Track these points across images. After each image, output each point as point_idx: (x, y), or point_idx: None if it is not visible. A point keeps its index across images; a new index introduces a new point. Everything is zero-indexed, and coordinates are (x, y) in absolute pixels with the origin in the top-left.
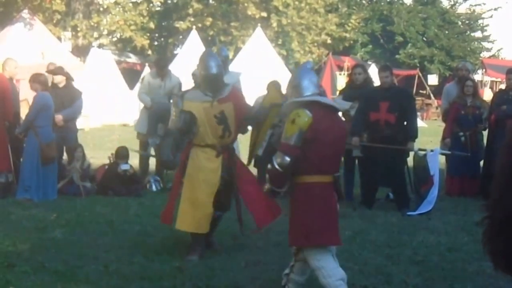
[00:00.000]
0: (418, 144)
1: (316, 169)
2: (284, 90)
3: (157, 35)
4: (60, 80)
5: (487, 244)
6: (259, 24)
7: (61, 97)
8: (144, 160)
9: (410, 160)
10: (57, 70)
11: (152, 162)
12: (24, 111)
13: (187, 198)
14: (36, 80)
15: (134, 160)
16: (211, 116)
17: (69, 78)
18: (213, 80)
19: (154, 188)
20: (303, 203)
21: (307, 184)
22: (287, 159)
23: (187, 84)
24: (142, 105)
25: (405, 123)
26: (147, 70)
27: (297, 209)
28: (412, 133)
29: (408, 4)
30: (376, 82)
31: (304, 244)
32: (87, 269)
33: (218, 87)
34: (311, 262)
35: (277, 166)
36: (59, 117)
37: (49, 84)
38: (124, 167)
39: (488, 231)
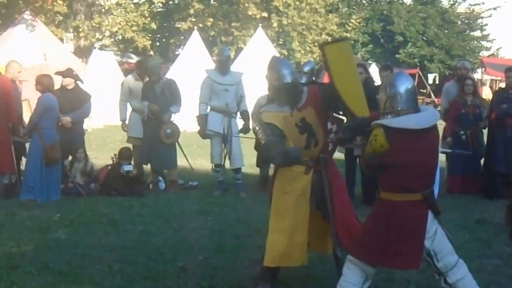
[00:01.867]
0: None
1: (401, 188)
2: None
3: (158, 35)
4: (68, 82)
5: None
6: (260, 24)
7: (69, 99)
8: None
9: None
10: (66, 73)
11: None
12: (25, 113)
13: (275, 228)
14: (39, 81)
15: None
16: (292, 126)
17: (77, 80)
18: (289, 90)
19: (161, 186)
20: (382, 219)
21: (391, 202)
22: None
23: (189, 84)
24: (130, 109)
25: None
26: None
27: (376, 223)
28: None
29: (408, 3)
30: (377, 81)
31: (366, 260)
32: (91, 269)
33: (295, 97)
34: (345, 265)
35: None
36: (67, 119)
37: (59, 85)
38: (127, 167)
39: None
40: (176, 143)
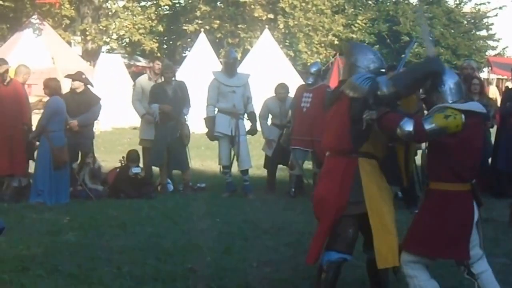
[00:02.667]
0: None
1: (455, 176)
2: (291, 93)
3: (165, 38)
4: (78, 85)
5: None
6: (266, 26)
7: (78, 103)
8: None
9: (418, 158)
10: (76, 76)
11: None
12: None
13: (380, 226)
14: (47, 85)
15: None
16: None
17: (86, 84)
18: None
19: (170, 188)
20: (437, 210)
21: (444, 192)
22: (410, 130)
23: (197, 86)
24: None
25: None
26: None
27: (429, 215)
28: None
29: (414, 4)
30: None
31: (422, 253)
32: (100, 272)
33: None
34: (404, 268)
35: (398, 127)
36: (74, 122)
37: (69, 89)
38: (135, 170)
39: None
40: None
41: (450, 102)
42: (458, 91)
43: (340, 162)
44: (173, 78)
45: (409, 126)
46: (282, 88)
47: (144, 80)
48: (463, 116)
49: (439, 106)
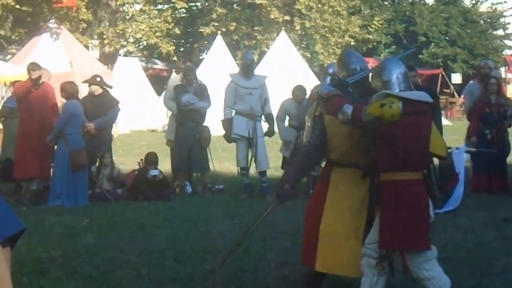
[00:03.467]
0: None
1: (404, 164)
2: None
3: (182, 41)
4: (94, 89)
5: None
6: (283, 28)
7: (96, 106)
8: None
9: (435, 158)
10: (91, 80)
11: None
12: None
13: (327, 231)
14: (63, 88)
15: (163, 165)
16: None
17: (102, 86)
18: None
19: (188, 190)
20: (390, 201)
21: (394, 181)
22: (348, 117)
23: (214, 88)
24: (170, 112)
25: None
26: (174, 76)
27: (389, 208)
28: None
29: (430, 4)
30: None
31: (399, 247)
32: (119, 274)
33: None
34: (418, 272)
35: (339, 112)
36: (91, 126)
37: (87, 92)
38: (153, 172)
39: None
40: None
41: (397, 91)
42: (404, 80)
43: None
44: (195, 80)
45: (348, 111)
46: (299, 90)
47: (176, 80)
48: (400, 105)
49: (381, 92)
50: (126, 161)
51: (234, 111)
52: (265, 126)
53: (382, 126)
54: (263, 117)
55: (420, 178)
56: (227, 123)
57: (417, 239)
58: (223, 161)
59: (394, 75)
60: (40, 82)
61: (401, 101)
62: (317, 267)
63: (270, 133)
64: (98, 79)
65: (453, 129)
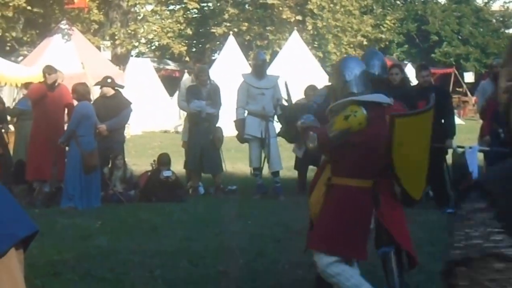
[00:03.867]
0: (456, 141)
1: (359, 172)
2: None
3: (194, 41)
4: (106, 90)
5: None
6: (295, 28)
7: (108, 107)
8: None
9: (448, 158)
10: (102, 82)
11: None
12: None
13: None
14: (75, 90)
15: (176, 166)
16: None
17: (114, 87)
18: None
19: (201, 191)
20: (337, 205)
21: (345, 187)
22: (314, 145)
23: (226, 88)
24: (183, 113)
25: (442, 121)
26: (186, 77)
27: (329, 210)
28: (450, 131)
29: (443, 3)
30: (413, 81)
31: (322, 249)
32: (133, 275)
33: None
34: (324, 270)
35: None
36: (103, 127)
37: (100, 93)
38: (166, 173)
39: None
40: None
41: (355, 92)
42: (363, 81)
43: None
44: (208, 81)
45: (313, 141)
46: (311, 90)
47: (188, 81)
48: (364, 111)
49: (341, 101)
50: (138, 162)
51: (246, 112)
52: (278, 126)
53: (352, 137)
54: (275, 117)
55: (369, 186)
56: (240, 123)
57: (352, 248)
58: (236, 161)
59: (354, 75)
60: (55, 84)
61: (362, 107)
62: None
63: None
64: (109, 80)
65: (466, 128)
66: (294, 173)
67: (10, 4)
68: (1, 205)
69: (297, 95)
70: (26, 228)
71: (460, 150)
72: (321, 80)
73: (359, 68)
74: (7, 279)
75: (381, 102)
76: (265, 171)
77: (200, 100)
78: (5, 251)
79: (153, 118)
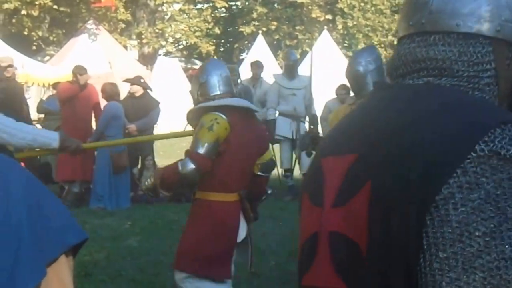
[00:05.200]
0: None
1: (221, 185)
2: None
3: (222, 40)
4: (136, 89)
5: None
6: (325, 27)
7: (137, 107)
8: None
9: None
10: (134, 80)
11: None
12: None
13: None
14: (104, 90)
15: None
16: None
17: (145, 88)
18: (353, 79)
19: None
20: (201, 221)
21: (209, 202)
22: (192, 167)
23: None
24: None
25: None
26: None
27: (192, 226)
28: None
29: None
30: None
31: (187, 270)
32: (164, 277)
33: (360, 88)
34: (179, 285)
35: (181, 173)
36: (132, 127)
37: (127, 93)
38: None
39: None
40: None
41: (213, 94)
42: (225, 84)
43: None
44: (239, 82)
45: (189, 164)
46: (343, 89)
47: (246, 82)
48: (223, 116)
49: (191, 110)
50: (167, 162)
51: (277, 112)
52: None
53: (219, 148)
54: (306, 117)
55: (236, 199)
56: (271, 124)
57: (220, 268)
58: None
59: (213, 77)
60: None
61: (219, 112)
62: None
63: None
64: (142, 80)
65: None
66: None
67: (36, 3)
68: (53, 213)
69: (328, 96)
70: (76, 236)
71: None
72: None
73: (219, 71)
74: (57, 286)
75: (238, 106)
76: (297, 172)
77: None
78: (56, 258)
79: (181, 119)
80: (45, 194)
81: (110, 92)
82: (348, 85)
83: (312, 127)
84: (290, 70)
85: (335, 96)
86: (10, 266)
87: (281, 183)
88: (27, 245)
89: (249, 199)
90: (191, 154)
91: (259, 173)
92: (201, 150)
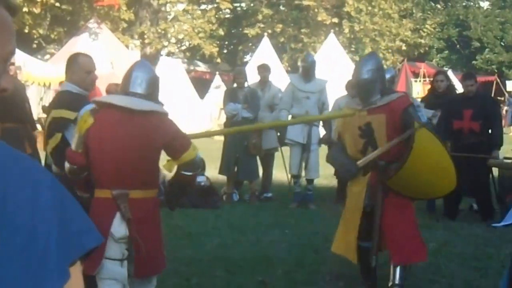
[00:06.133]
0: (501, 152)
1: (96, 181)
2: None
3: (226, 42)
4: None
5: None
6: (331, 30)
7: None
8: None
9: (495, 169)
10: None
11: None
12: None
13: (342, 219)
14: (108, 90)
15: (208, 171)
16: (355, 127)
17: None
18: (360, 87)
19: (235, 198)
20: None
21: (94, 199)
22: (67, 165)
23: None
24: (213, 116)
25: (489, 130)
26: (217, 79)
27: None
28: (496, 141)
29: (485, 8)
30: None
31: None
32: (169, 283)
33: (368, 95)
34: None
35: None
36: None
37: None
38: (199, 179)
39: None
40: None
41: (130, 90)
42: (146, 85)
43: None
44: (246, 85)
45: (65, 163)
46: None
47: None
48: (88, 113)
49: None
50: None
51: (290, 116)
52: (322, 131)
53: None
54: (321, 122)
55: (108, 197)
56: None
57: (86, 262)
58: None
59: (135, 74)
60: None
61: (93, 109)
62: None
63: (326, 141)
64: None
65: (509, 138)
66: (331, 182)
67: (38, 0)
68: (74, 215)
69: (333, 101)
70: (93, 240)
71: (508, 161)
72: None
73: (145, 70)
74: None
75: (116, 104)
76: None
77: (236, 103)
78: (74, 262)
79: (184, 121)
80: (67, 196)
81: (115, 92)
82: None
83: (325, 133)
84: (306, 72)
85: (342, 94)
86: (37, 266)
87: (291, 189)
88: (54, 247)
89: (173, 190)
90: (68, 151)
91: (182, 172)
92: (73, 145)
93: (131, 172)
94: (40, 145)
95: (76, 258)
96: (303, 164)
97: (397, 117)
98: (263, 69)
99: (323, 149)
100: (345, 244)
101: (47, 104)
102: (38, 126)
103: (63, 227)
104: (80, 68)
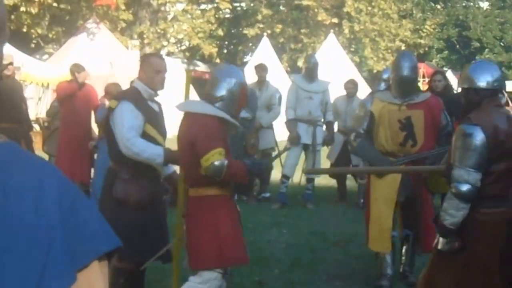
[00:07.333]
0: None
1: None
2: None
3: (226, 42)
4: None
5: None
6: (331, 31)
7: None
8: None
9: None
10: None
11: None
12: None
13: (371, 214)
14: (108, 90)
15: None
16: (395, 121)
17: None
18: (403, 83)
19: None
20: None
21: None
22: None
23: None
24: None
25: None
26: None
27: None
28: None
29: (485, 8)
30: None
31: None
32: (165, 283)
33: (408, 91)
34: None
35: None
36: None
37: None
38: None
39: None
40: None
41: None
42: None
43: None
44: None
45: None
46: (351, 83)
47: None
48: None
49: None
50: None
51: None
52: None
53: None
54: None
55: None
56: (291, 124)
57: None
58: None
59: None
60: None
61: None
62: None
63: (328, 142)
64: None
65: None
66: (329, 181)
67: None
68: (87, 217)
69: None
70: (108, 244)
71: None
72: (358, 85)
73: None
74: None
75: None
76: (297, 179)
77: None
78: (87, 265)
79: None
80: (80, 198)
81: (115, 92)
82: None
83: (327, 134)
84: (310, 72)
85: (344, 94)
86: (39, 268)
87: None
88: (58, 248)
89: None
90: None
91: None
92: None
93: (185, 171)
94: (37, 145)
95: (88, 261)
96: (303, 165)
97: (437, 116)
98: (261, 69)
99: (323, 150)
100: (381, 239)
101: (47, 105)
102: (36, 126)
103: (72, 230)
104: (150, 68)
